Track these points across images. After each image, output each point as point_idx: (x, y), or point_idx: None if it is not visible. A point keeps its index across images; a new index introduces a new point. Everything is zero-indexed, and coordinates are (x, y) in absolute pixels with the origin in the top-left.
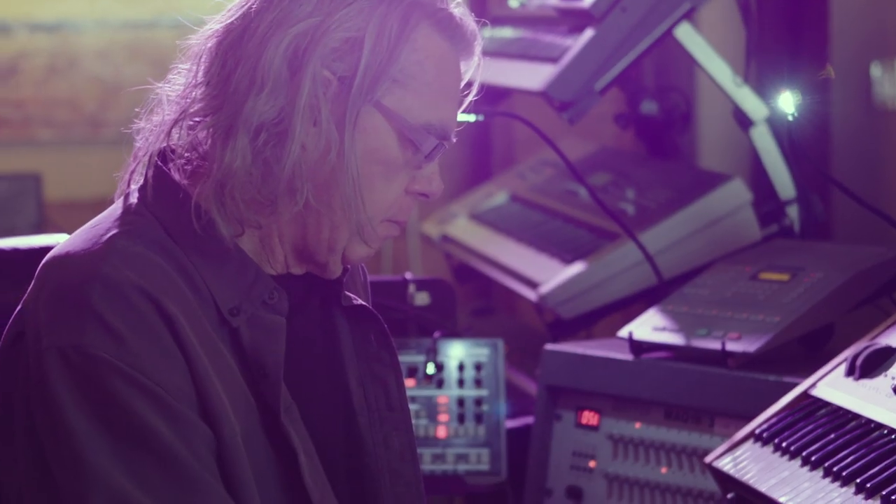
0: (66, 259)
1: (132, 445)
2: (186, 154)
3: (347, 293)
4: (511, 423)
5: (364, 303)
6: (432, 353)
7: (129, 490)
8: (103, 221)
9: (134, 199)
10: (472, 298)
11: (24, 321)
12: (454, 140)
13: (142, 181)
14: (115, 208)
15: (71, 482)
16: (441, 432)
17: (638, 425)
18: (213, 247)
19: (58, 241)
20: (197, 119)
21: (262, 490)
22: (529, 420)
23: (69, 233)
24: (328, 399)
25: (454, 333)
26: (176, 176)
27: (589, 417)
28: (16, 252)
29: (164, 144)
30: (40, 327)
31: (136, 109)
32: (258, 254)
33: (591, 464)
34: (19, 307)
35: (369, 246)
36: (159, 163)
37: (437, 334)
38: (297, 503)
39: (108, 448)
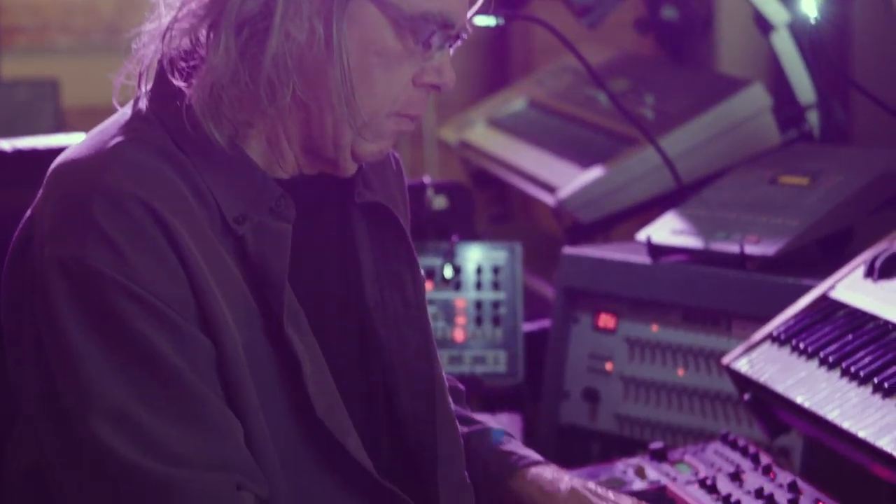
0: (71, 166)
1: (131, 359)
2: (184, 57)
3: (365, 190)
4: (528, 327)
5: (380, 200)
6: (450, 257)
7: (128, 403)
8: (110, 127)
9: (142, 104)
10: (489, 205)
11: (33, 226)
12: (464, 33)
13: (150, 86)
14: (123, 114)
15: (71, 392)
16: (458, 335)
17: (655, 328)
18: (218, 153)
19: (74, 143)
20: (190, 21)
21: (267, 400)
22: (546, 323)
23: None
24: (343, 298)
25: (472, 237)
26: (177, 81)
27: (606, 320)
28: (34, 152)
29: (166, 49)
30: (45, 235)
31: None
32: (267, 157)
33: (608, 366)
34: (29, 212)
35: (379, 142)
36: (162, 67)
37: (454, 238)
38: (302, 412)
39: (107, 361)
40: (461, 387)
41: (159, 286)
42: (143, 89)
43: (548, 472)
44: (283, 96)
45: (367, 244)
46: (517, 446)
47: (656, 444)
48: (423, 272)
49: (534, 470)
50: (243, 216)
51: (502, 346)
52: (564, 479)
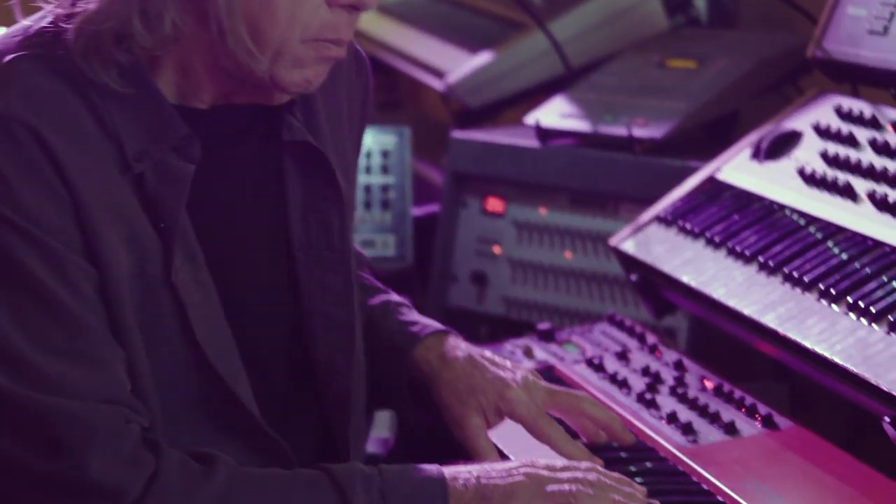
0: None
1: (11, 288)
2: None
3: (297, 124)
4: (417, 211)
5: (310, 139)
6: None
7: (8, 332)
8: (8, 40)
9: (49, 19)
10: (378, 92)
11: None
12: None
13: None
14: (26, 26)
15: None
16: None
17: (543, 211)
18: (124, 84)
19: None
20: None
21: (157, 340)
22: (435, 208)
23: None
24: (263, 239)
25: None
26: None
27: (494, 204)
28: None
29: None
30: None
31: None
32: (181, 87)
33: (496, 249)
34: None
35: (301, 70)
36: None
37: None
38: (191, 356)
39: None
40: (364, 254)
41: (43, 215)
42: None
43: (449, 340)
44: (160, 28)
45: (297, 182)
46: (419, 317)
47: (544, 325)
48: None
49: (434, 338)
50: (143, 153)
51: (391, 229)
52: (462, 347)
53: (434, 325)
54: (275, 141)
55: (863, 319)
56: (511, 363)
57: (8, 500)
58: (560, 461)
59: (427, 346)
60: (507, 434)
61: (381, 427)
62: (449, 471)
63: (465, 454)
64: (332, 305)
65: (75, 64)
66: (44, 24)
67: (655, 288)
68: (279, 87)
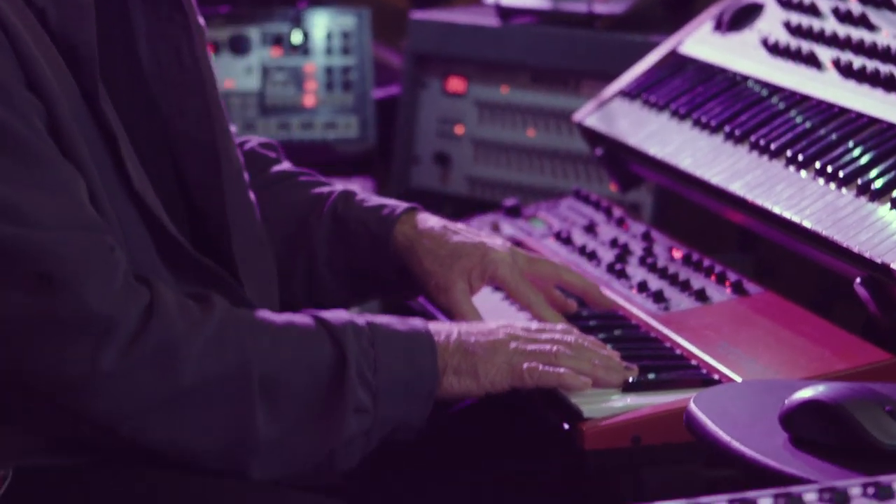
0: None
1: None
2: None
3: None
4: (379, 94)
5: None
6: (298, 22)
7: None
8: None
9: None
10: None
11: None
12: None
13: None
14: None
15: None
16: (309, 100)
17: (505, 90)
18: None
19: None
20: None
21: (92, 172)
22: (396, 90)
23: None
24: (118, 67)
25: (320, 2)
26: None
27: (456, 84)
28: None
29: None
30: None
31: None
32: None
33: (458, 129)
34: None
35: None
36: None
37: (302, 3)
38: (120, 187)
39: None
40: (273, 142)
41: None
42: None
43: (419, 214)
44: None
45: (140, 12)
46: (382, 199)
47: (510, 201)
48: (205, 35)
49: (406, 215)
50: None
51: (353, 111)
52: (432, 218)
53: (401, 203)
54: None
55: (831, 184)
56: (486, 233)
57: (3, 347)
58: (535, 324)
59: (401, 222)
60: (480, 306)
61: None
62: (433, 325)
63: None
64: (194, 126)
65: None
66: None
67: (621, 161)
68: None
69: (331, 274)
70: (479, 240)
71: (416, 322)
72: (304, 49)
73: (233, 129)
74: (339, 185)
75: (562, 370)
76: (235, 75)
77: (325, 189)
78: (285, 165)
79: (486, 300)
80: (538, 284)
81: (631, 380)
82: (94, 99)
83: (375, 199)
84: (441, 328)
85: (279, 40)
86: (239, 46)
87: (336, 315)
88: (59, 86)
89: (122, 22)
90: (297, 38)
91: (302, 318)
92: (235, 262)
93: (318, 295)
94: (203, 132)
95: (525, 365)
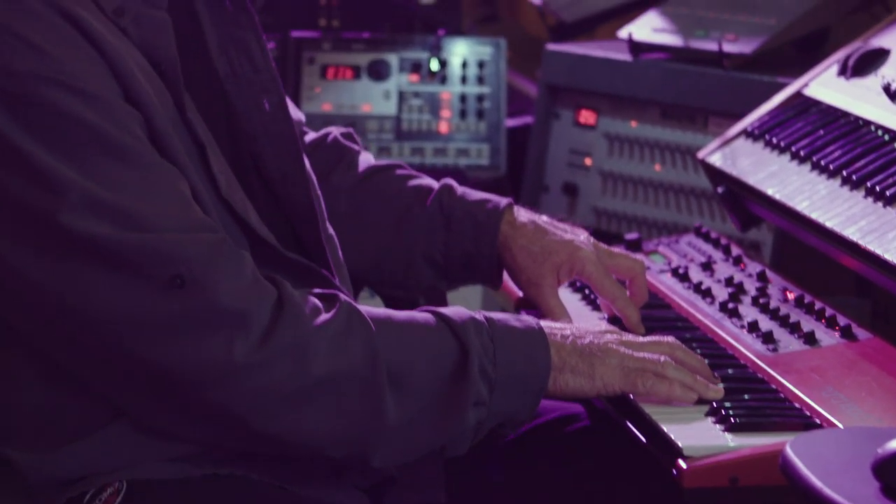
0: None
1: (79, 146)
2: None
3: None
4: (511, 123)
5: None
6: (436, 51)
7: (89, 187)
8: None
9: None
10: (475, 7)
11: None
12: None
13: None
14: None
15: (36, 201)
16: (443, 127)
17: (634, 124)
18: None
19: None
20: None
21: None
22: (529, 120)
23: None
24: (197, 77)
25: (458, 32)
26: None
27: (587, 116)
28: None
29: None
30: None
31: None
32: None
33: (587, 161)
34: None
35: None
36: None
37: (441, 32)
38: (208, 193)
39: (59, 155)
40: (352, 131)
41: (83, 71)
42: None
43: (515, 209)
44: None
45: (207, 16)
46: (481, 193)
47: (631, 235)
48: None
49: (507, 209)
50: (121, 8)
51: (485, 139)
52: (524, 213)
53: (502, 198)
54: None
55: None
56: (569, 226)
57: (142, 349)
58: (640, 338)
59: (510, 217)
60: None
61: None
62: (544, 323)
63: None
64: (272, 123)
65: None
66: None
67: (741, 200)
68: None
69: (427, 262)
70: (568, 237)
71: (530, 319)
72: (440, 77)
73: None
74: (429, 179)
75: (672, 381)
76: (373, 100)
77: (423, 182)
78: (370, 157)
79: (565, 298)
80: (618, 276)
81: (714, 405)
82: (182, 111)
83: (476, 193)
84: (554, 326)
85: (417, 67)
86: (378, 72)
87: (455, 311)
88: (155, 97)
89: (195, 32)
90: (434, 65)
91: (422, 315)
92: (326, 254)
93: (410, 282)
94: (282, 126)
95: (637, 370)
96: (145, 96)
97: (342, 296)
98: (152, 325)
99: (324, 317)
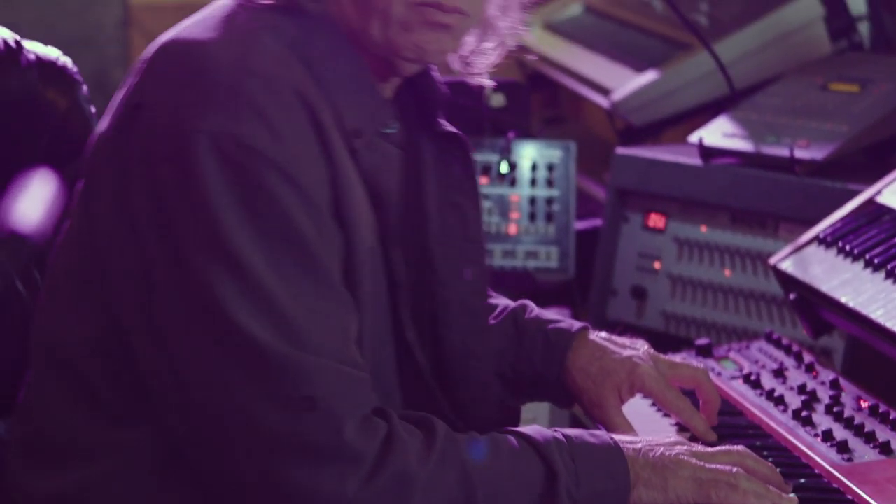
0: (197, 45)
1: (275, 237)
2: None
3: (441, 120)
4: (580, 225)
5: (455, 129)
6: (506, 153)
7: (271, 285)
8: (225, 15)
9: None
10: (542, 108)
11: (143, 94)
12: None
13: None
14: (224, 5)
15: (204, 262)
16: (512, 229)
17: (704, 228)
18: (343, 62)
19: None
20: None
21: (370, 312)
22: (597, 222)
23: (155, 34)
24: (406, 225)
25: (528, 134)
26: None
27: (656, 220)
28: None
29: None
30: (179, 107)
31: None
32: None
33: (657, 265)
34: (133, 81)
35: (409, 34)
36: None
37: (511, 134)
38: (394, 335)
39: (251, 235)
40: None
41: (308, 173)
42: None
43: (594, 336)
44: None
45: (432, 171)
46: (553, 313)
47: (702, 341)
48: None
49: (584, 334)
50: (360, 130)
51: (554, 242)
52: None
53: (575, 321)
54: (415, 131)
55: None
56: (629, 340)
57: (257, 457)
58: (710, 448)
59: (585, 340)
60: (629, 411)
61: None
62: (617, 437)
63: None
64: (469, 295)
65: (295, 36)
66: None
67: (813, 307)
68: (393, 51)
69: (499, 378)
70: (627, 353)
71: (604, 435)
72: (510, 179)
73: None
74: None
75: (745, 492)
76: None
77: (499, 300)
78: None
79: (635, 405)
80: (682, 386)
81: None
82: (385, 245)
83: (548, 313)
84: (626, 441)
85: (487, 169)
86: None
87: (535, 430)
88: (363, 223)
89: (417, 179)
90: (504, 167)
91: (505, 437)
92: (461, 401)
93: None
94: (477, 300)
95: (710, 481)
96: (355, 218)
97: (437, 422)
98: (272, 438)
99: (423, 449)
